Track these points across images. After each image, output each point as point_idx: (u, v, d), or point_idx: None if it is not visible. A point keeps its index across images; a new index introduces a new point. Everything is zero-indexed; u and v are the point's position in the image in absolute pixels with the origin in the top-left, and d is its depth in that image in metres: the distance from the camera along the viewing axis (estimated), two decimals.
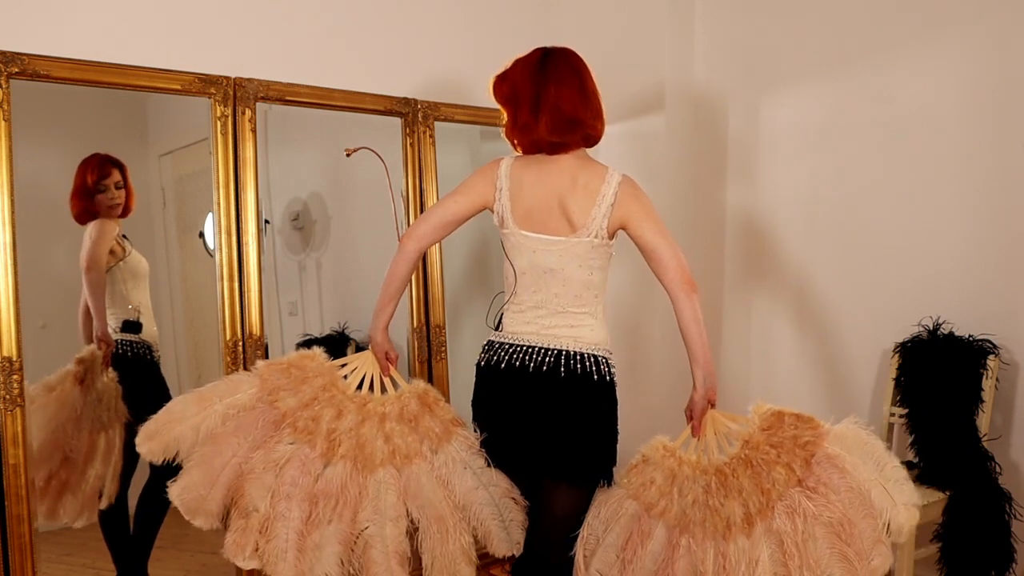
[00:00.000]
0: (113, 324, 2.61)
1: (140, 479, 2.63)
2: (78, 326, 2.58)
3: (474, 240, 3.37)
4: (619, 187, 2.11)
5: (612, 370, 2.15)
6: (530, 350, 2.13)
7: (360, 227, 3.21)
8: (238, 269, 2.64)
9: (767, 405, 2.08)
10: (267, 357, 2.64)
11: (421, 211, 3.01)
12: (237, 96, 2.63)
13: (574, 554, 2.14)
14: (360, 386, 2.22)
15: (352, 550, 2.10)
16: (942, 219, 2.87)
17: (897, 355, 2.88)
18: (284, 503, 2.05)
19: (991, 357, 2.67)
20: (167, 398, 2.14)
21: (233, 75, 2.63)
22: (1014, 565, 2.63)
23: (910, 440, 2.78)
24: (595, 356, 2.12)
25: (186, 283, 2.85)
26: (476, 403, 2.21)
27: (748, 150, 3.39)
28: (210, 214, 2.66)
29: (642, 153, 3.40)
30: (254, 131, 2.65)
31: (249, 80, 2.65)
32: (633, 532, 2.08)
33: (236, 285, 2.64)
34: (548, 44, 2.19)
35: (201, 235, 2.79)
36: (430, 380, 3.02)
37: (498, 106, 2.21)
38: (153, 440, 2.05)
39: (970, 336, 2.73)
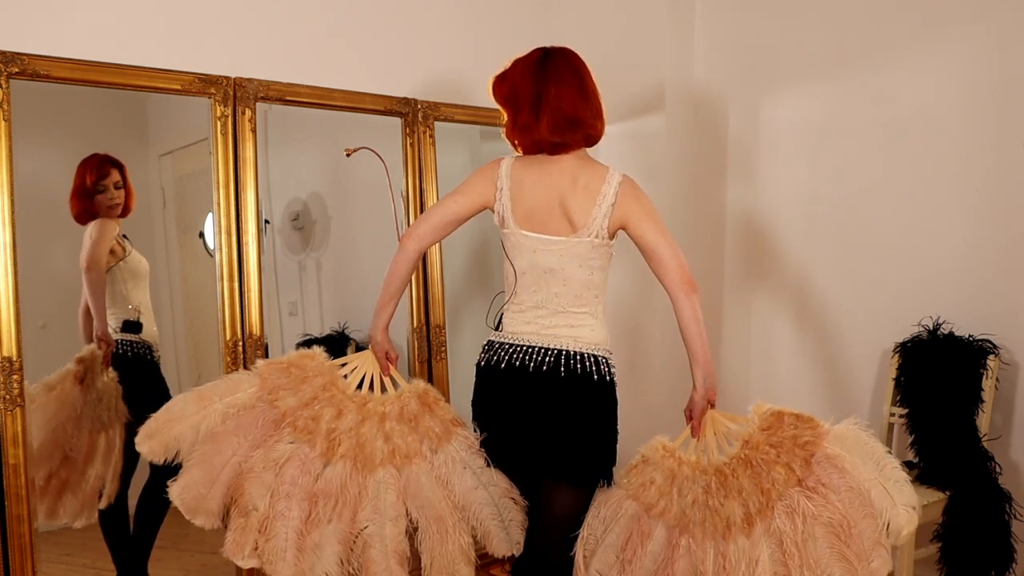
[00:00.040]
0: (113, 324, 2.61)
1: (140, 479, 2.63)
2: (78, 326, 2.58)
3: (474, 240, 3.37)
4: (619, 187, 2.11)
5: (612, 370, 2.15)
6: (530, 350, 2.13)
7: (360, 227, 3.21)
8: (238, 269, 2.64)
9: (767, 405, 2.08)
10: (267, 357, 2.64)
11: (421, 211, 3.01)
12: (237, 96, 2.63)
13: (574, 554, 2.14)
14: (360, 386, 2.22)
15: (351, 549, 2.10)
16: (942, 219, 2.87)
17: (897, 355, 2.88)
18: (284, 502, 2.05)
19: (991, 357, 2.67)
20: (167, 398, 2.14)
21: (233, 75, 2.63)
22: (1014, 565, 2.63)
23: (910, 440, 2.78)
24: (595, 356, 2.12)
25: (186, 283, 2.85)
26: (476, 403, 2.21)
27: (748, 150, 3.39)
28: (210, 214, 2.66)
29: (642, 153, 3.40)
30: (254, 131, 2.65)
31: (249, 80, 2.65)
32: (633, 532, 2.08)
33: (236, 285, 2.64)
34: (548, 44, 2.19)
35: (201, 235, 2.79)
36: (430, 380, 3.02)
37: (498, 106, 2.21)
38: (153, 439, 2.05)
39: (970, 336, 2.73)
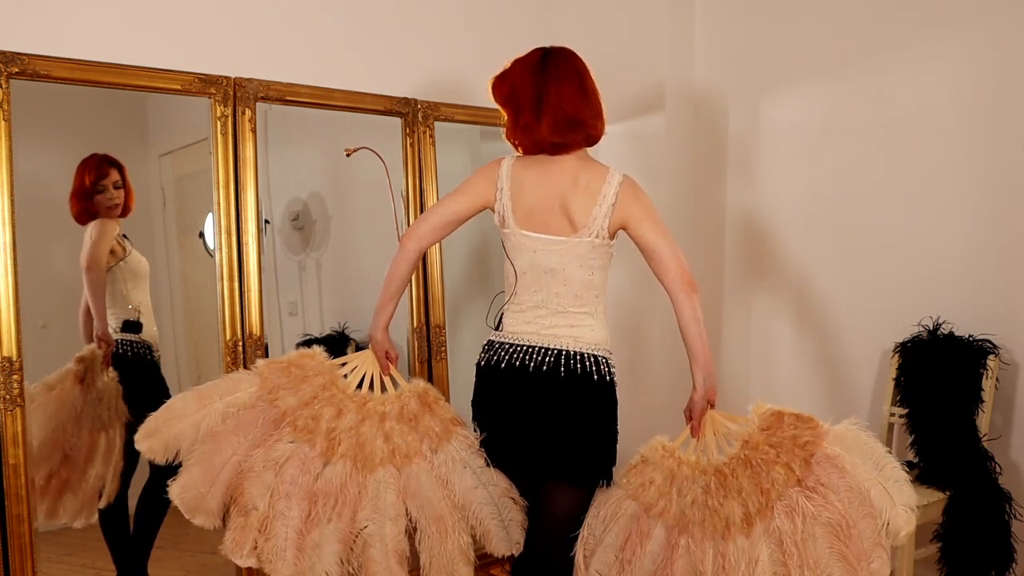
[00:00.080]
0: (113, 324, 2.61)
1: (140, 479, 2.63)
2: (79, 326, 2.58)
3: (474, 240, 3.38)
4: (620, 187, 2.11)
5: (612, 370, 2.15)
6: (530, 350, 2.13)
7: (360, 227, 3.21)
8: (238, 269, 2.64)
9: (767, 405, 2.08)
10: (267, 357, 2.64)
11: (421, 211, 3.01)
12: (237, 96, 2.63)
13: (574, 554, 2.13)
14: (360, 385, 2.22)
15: (351, 549, 2.10)
16: (942, 219, 2.87)
17: (897, 355, 2.88)
18: (283, 502, 2.05)
19: (991, 357, 2.67)
20: (167, 398, 2.13)
21: (233, 75, 2.63)
22: (1014, 565, 2.63)
23: (910, 440, 2.78)
24: (595, 356, 2.12)
25: (186, 283, 2.85)
26: (476, 403, 2.21)
27: (748, 150, 3.39)
28: (210, 214, 2.66)
29: (642, 153, 3.40)
30: (254, 131, 2.65)
31: (249, 80, 2.65)
32: (632, 532, 2.08)
33: (236, 285, 2.64)
34: (548, 44, 2.19)
35: (201, 235, 2.79)
36: (430, 380, 3.02)
37: (497, 106, 2.21)
38: (153, 437, 2.05)
39: (970, 336, 2.73)
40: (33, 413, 2.36)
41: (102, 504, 2.60)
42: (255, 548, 2.05)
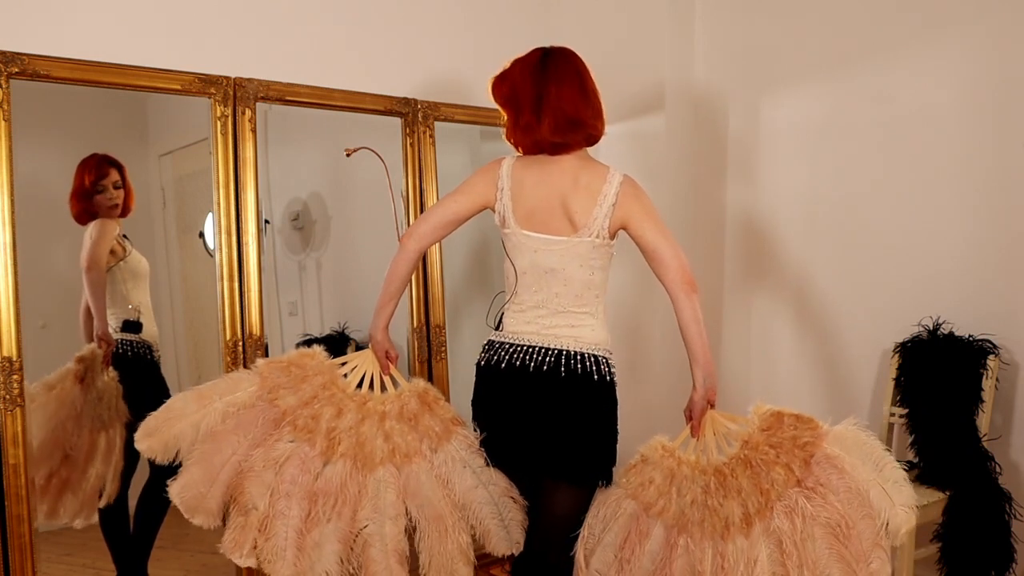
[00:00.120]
0: (113, 324, 2.62)
1: (140, 479, 2.63)
2: (79, 326, 2.58)
3: (474, 240, 3.38)
4: (620, 187, 2.11)
5: (612, 370, 2.15)
6: (530, 350, 2.13)
7: (360, 227, 3.21)
8: (238, 269, 2.64)
9: (766, 405, 2.08)
10: (267, 357, 2.64)
11: (421, 211, 3.01)
12: (237, 96, 2.63)
13: (574, 554, 2.13)
14: (360, 385, 2.23)
15: (351, 548, 2.10)
16: (942, 219, 2.87)
17: (897, 355, 2.88)
18: (283, 501, 2.05)
19: (991, 357, 2.67)
20: (167, 398, 2.13)
21: (233, 75, 2.63)
22: (1014, 565, 2.63)
23: (910, 440, 2.78)
24: (595, 356, 2.12)
25: (186, 283, 2.85)
26: (476, 402, 2.21)
27: (748, 150, 3.39)
28: (210, 214, 2.67)
29: (642, 153, 3.40)
30: (254, 131, 2.65)
31: (249, 80, 2.65)
32: (631, 531, 2.08)
33: (236, 285, 2.64)
34: (548, 44, 2.19)
35: (201, 235, 2.79)
36: (430, 380, 3.02)
37: (497, 106, 2.21)
38: (152, 437, 2.05)
39: (970, 336, 2.73)
40: (33, 413, 2.36)
41: (102, 504, 2.60)
42: (255, 548, 2.05)
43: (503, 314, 2.20)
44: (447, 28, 3.20)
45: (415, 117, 3.03)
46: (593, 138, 2.16)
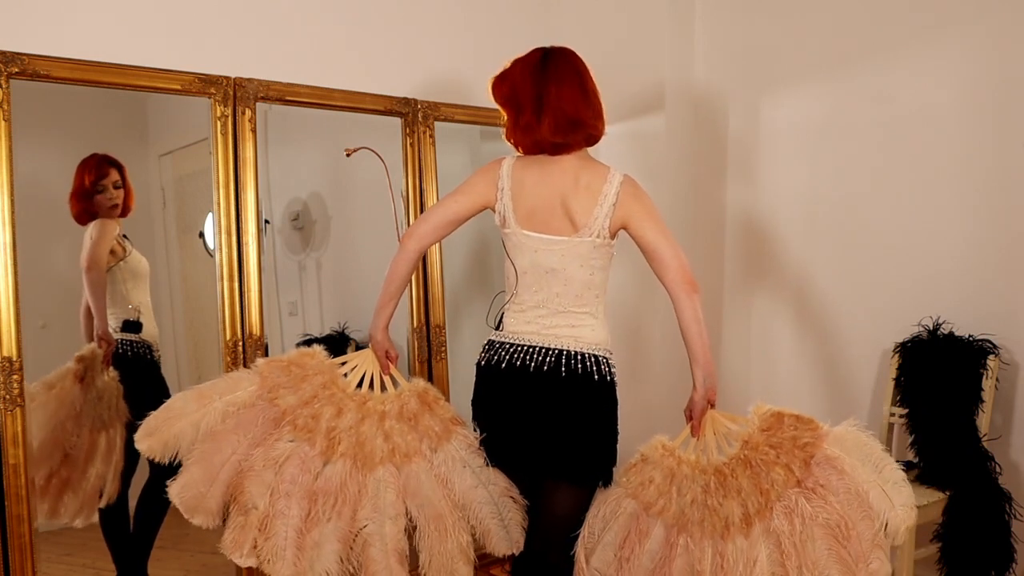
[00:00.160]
0: (113, 324, 2.62)
1: (140, 479, 2.63)
2: (79, 326, 2.58)
3: (474, 240, 3.38)
4: (621, 187, 2.11)
5: (612, 370, 2.15)
6: (531, 350, 2.13)
7: (360, 227, 3.21)
8: (238, 269, 2.64)
9: (767, 406, 2.08)
10: (267, 357, 2.64)
11: (421, 211, 3.01)
12: (237, 96, 2.63)
13: (574, 553, 2.14)
14: (360, 384, 2.23)
15: (351, 548, 2.10)
16: (942, 219, 2.87)
17: (897, 355, 2.88)
18: (283, 501, 2.05)
19: (991, 357, 2.67)
20: (167, 398, 2.13)
21: (233, 75, 2.63)
22: (1014, 565, 2.63)
23: (910, 440, 2.78)
24: (596, 356, 2.12)
25: (186, 283, 2.85)
26: (476, 402, 2.21)
27: (748, 150, 3.39)
28: (210, 214, 2.66)
29: (642, 153, 3.40)
30: (254, 131, 2.65)
31: (249, 80, 2.65)
32: (631, 531, 2.08)
33: (236, 285, 2.64)
34: (548, 44, 2.19)
35: (201, 235, 2.79)
36: (430, 380, 3.02)
37: (497, 106, 2.21)
38: (152, 436, 2.05)
39: (970, 336, 2.73)
40: (33, 412, 2.36)
41: (103, 504, 2.60)
42: (255, 547, 2.04)
43: (503, 314, 2.20)
44: (447, 28, 3.20)
45: (415, 117, 3.03)
46: (593, 138, 2.16)
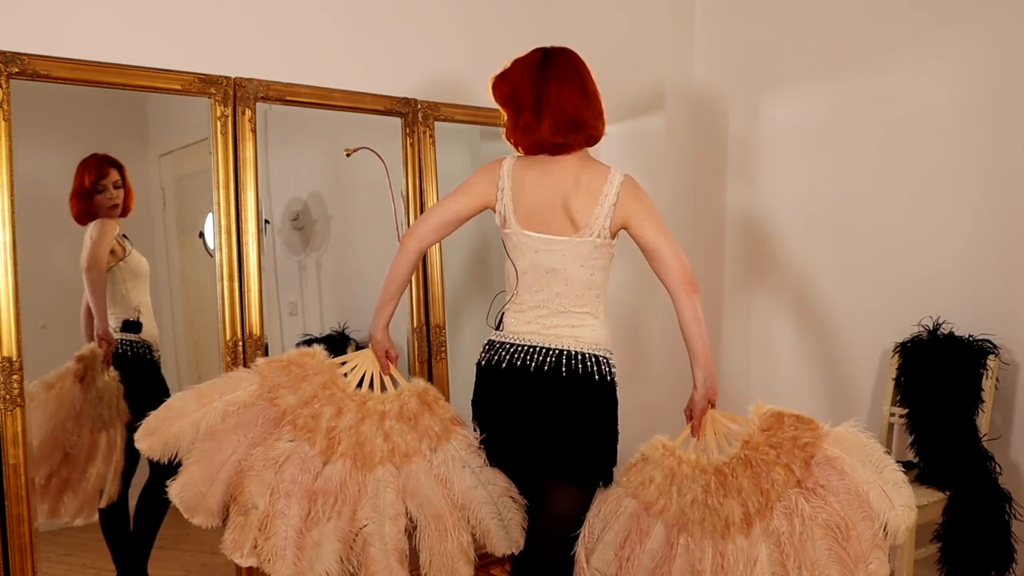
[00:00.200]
0: (113, 324, 2.61)
1: (140, 479, 2.63)
2: (80, 326, 2.58)
3: (474, 240, 3.38)
4: (621, 187, 2.11)
5: (613, 370, 2.15)
6: (531, 350, 2.13)
7: (360, 227, 3.21)
8: (238, 269, 2.64)
9: (767, 406, 2.08)
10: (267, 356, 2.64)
11: (421, 211, 3.01)
12: (237, 96, 2.63)
13: (574, 553, 2.14)
14: (360, 384, 2.23)
15: (351, 548, 2.10)
16: (942, 219, 2.87)
17: (897, 355, 2.88)
18: (283, 500, 2.05)
19: (991, 357, 2.67)
20: (167, 398, 2.13)
21: (233, 75, 2.63)
22: (1014, 565, 2.63)
23: (910, 440, 2.78)
24: (596, 356, 2.12)
25: (186, 283, 2.85)
26: (476, 402, 2.21)
27: (748, 150, 3.39)
28: (210, 214, 2.66)
29: (642, 153, 3.40)
30: (254, 131, 2.65)
31: (249, 80, 2.65)
32: (631, 530, 2.08)
33: (236, 285, 2.64)
34: (548, 44, 2.19)
35: (201, 235, 2.79)
36: (430, 380, 3.02)
37: (497, 106, 2.21)
38: (152, 436, 2.05)
39: (970, 336, 2.73)
40: (32, 411, 2.35)
41: (103, 504, 2.60)
42: (255, 547, 2.05)
43: (503, 314, 2.20)
44: (447, 28, 3.20)
45: (415, 117, 3.03)
46: (593, 138, 2.16)
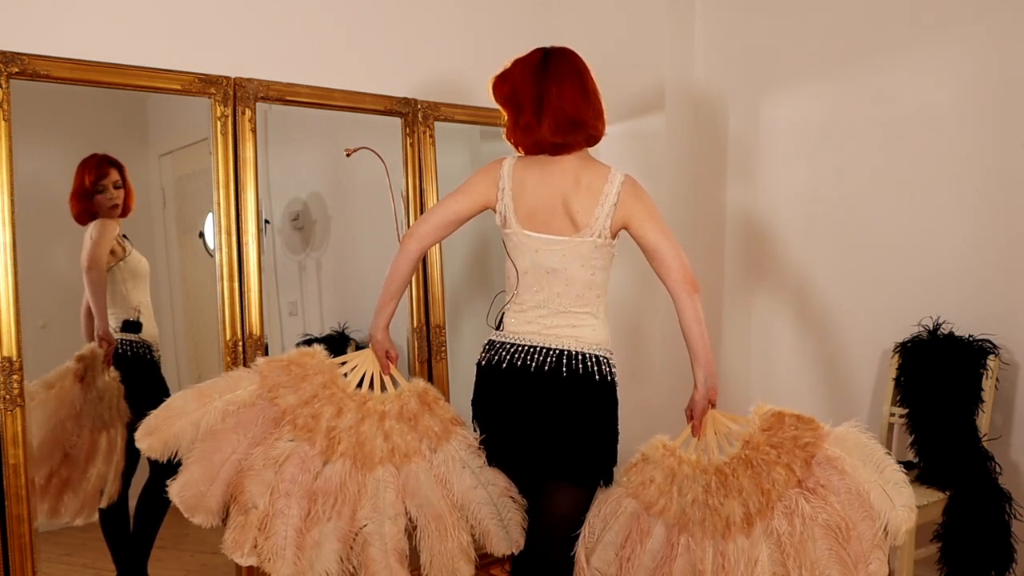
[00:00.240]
0: (113, 324, 2.61)
1: (141, 479, 2.63)
2: (80, 326, 2.58)
3: (474, 240, 3.38)
4: (622, 187, 2.11)
5: (613, 370, 2.15)
6: (531, 350, 2.13)
7: (360, 227, 3.21)
8: (238, 269, 2.64)
9: (768, 406, 2.08)
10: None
11: (421, 211, 3.01)
12: (237, 96, 2.63)
13: (574, 553, 2.13)
14: (360, 384, 2.23)
15: (351, 548, 2.10)
16: (942, 219, 2.87)
17: (897, 355, 2.88)
18: (283, 500, 2.05)
19: (991, 357, 2.67)
20: (167, 398, 2.13)
21: (233, 75, 2.63)
22: (1014, 565, 2.63)
23: (910, 440, 2.78)
24: (596, 356, 2.12)
25: (186, 283, 2.85)
26: (476, 402, 2.21)
27: (748, 150, 3.39)
28: (210, 214, 2.66)
29: (642, 153, 3.40)
30: (254, 131, 2.65)
31: (249, 80, 2.65)
32: (632, 530, 2.08)
33: (236, 285, 2.64)
34: (548, 44, 2.19)
35: (201, 235, 2.79)
36: (430, 380, 3.02)
37: (498, 106, 2.21)
38: (152, 435, 2.05)
39: (970, 336, 2.73)
40: (32, 411, 2.35)
41: (103, 504, 2.60)
42: (255, 546, 2.05)
43: (504, 314, 2.20)
44: (447, 28, 3.20)
45: (415, 117, 3.03)
46: (594, 138, 2.16)
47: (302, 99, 2.78)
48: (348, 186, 3.16)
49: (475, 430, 2.21)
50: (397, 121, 3.02)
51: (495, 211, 2.19)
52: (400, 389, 2.24)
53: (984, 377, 2.67)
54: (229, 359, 2.62)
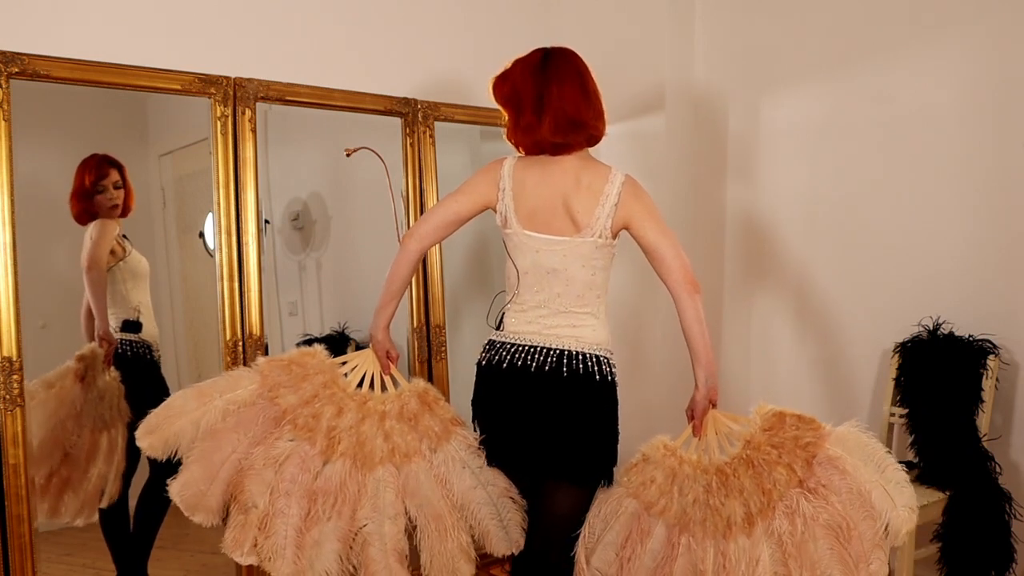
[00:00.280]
0: (114, 324, 2.61)
1: (141, 479, 2.63)
2: (80, 326, 2.58)
3: (474, 240, 3.37)
4: (622, 187, 2.11)
5: (613, 370, 2.15)
6: (532, 350, 2.13)
7: (360, 227, 3.21)
8: (238, 269, 2.64)
9: (768, 406, 2.08)
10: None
11: (421, 211, 3.01)
12: (237, 96, 2.63)
13: (574, 553, 2.13)
14: (360, 384, 2.23)
15: (351, 547, 2.10)
16: (942, 219, 2.87)
17: (897, 355, 2.88)
18: (283, 500, 2.05)
19: (991, 357, 2.67)
20: (167, 397, 2.13)
21: (233, 75, 2.63)
22: (1014, 565, 2.63)
23: (910, 440, 2.78)
24: (596, 356, 2.12)
25: (186, 283, 2.85)
26: (476, 402, 2.21)
27: (748, 150, 3.39)
28: (210, 214, 2.66)
29: (642, 153, 3.40)
30: (254, 131, 2.65)
31: (249, 80, 2.65)
32: (632, 530, 2.08)
33: (236, 285, 2.64)
34: (548, 44, 2.19)
35: (201, 235, 2.79)
36: (430, 380, 3.02)
37: (498, 106, 2.21)
38: (153, 435, 2.05)
39: (970, 336, 2.73)
40: (32, 410, 2.35)
41: (104, 504, 2.60)
42: (255, 546, 2.05)
43: (504, 314, 2.20)
44: (447, 28, 3.20)
45: (415, 117, 3.03)
46: (594, 138, 2.16)
47: (302, 99, 2.78)
48: (348, 186, 3.16)
49: (475, 430, 2.21)
50: (397, 121, 3.02)
51: (495, 211, 2.19)
52: (400, 389, 2.24)
53: (984, 377, 2.67)
54: (229, 359, 2.62)
